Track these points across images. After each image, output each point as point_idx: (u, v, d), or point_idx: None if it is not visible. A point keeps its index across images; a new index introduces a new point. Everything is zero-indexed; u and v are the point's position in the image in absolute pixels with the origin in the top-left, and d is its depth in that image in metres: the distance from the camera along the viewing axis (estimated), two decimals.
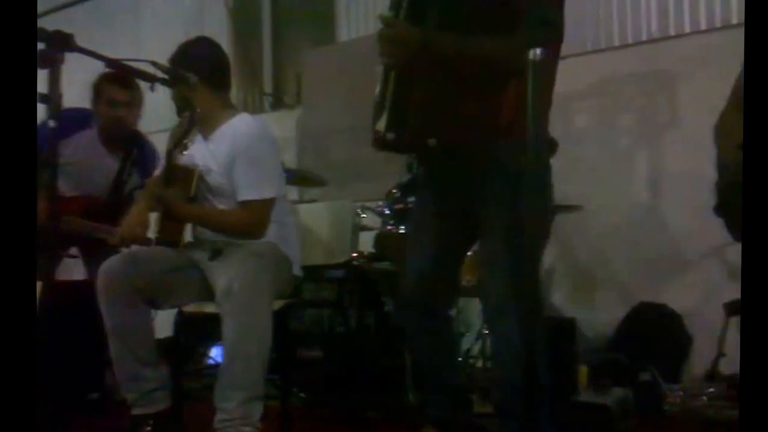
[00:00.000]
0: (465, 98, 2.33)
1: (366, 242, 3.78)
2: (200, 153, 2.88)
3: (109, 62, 2.37)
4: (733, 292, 3.30)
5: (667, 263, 3.96)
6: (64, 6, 6.99)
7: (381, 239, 3.69)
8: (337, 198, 4.21)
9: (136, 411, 2.77)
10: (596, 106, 4.20)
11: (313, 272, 3.43)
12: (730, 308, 3.39)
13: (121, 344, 2.73)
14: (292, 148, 5.39)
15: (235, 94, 4.84)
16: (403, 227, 3.53)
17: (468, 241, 2.65)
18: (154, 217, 2.90)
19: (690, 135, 3.74)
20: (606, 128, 4.28)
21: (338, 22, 5.66)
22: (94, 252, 3.27)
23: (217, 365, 2.94)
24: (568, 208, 3.64)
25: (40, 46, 1.94)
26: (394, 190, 3.73)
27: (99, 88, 3.43)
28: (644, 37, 4.18)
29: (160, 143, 3.16)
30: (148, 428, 2.75)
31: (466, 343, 3.72)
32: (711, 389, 3.30)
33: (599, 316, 3.93)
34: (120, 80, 3.37)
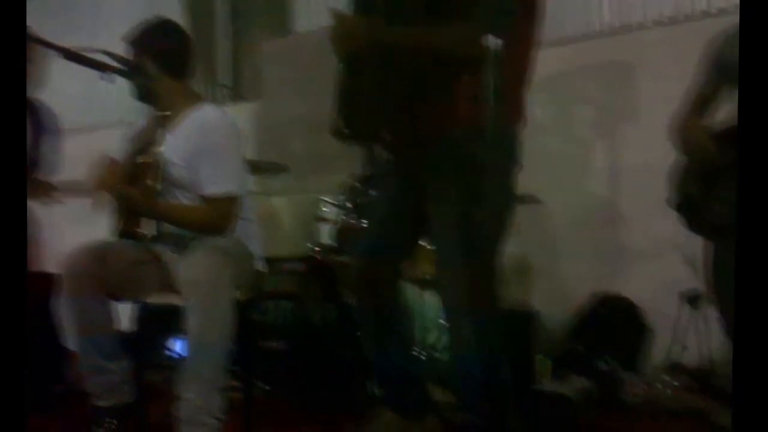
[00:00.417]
0: (417, 89, 2.32)
1: (327, 235, 3.77)
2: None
3: (66, 53, 2.33)
4: (690, 282, 3.38)
5: (626, 254, 4.01)
6: None
7: (342, 232, 3.69)
8: (297, 190, 4.18)
9: (101, 404, 2.73)
10: (554, 98, 4.22)
11: (274, 264, 3.41)
12: (687, 297, 3.48)
13: (85, 338, 2.69)
14: (250, 140, 5.33)
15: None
16: (364, 221, 3.52)
17: (419, 231, 2.66)
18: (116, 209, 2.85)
19: (648, 127, 3.78)
20: (564, 120, 4.31)
21: (296, 12, 5.61)
22: None
23: (179, 358, 2.91)
24: (526, 199, 3.65)
25: None
26: (357, 183, 3.72)
27: None
28: (603, 28, 4.21)
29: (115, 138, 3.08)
30: (113, 421, 2.71)
31: (430, 338, 3.73)
32: (675, 383, 3.36)
33: (559, 309, 3.96)
34: None
